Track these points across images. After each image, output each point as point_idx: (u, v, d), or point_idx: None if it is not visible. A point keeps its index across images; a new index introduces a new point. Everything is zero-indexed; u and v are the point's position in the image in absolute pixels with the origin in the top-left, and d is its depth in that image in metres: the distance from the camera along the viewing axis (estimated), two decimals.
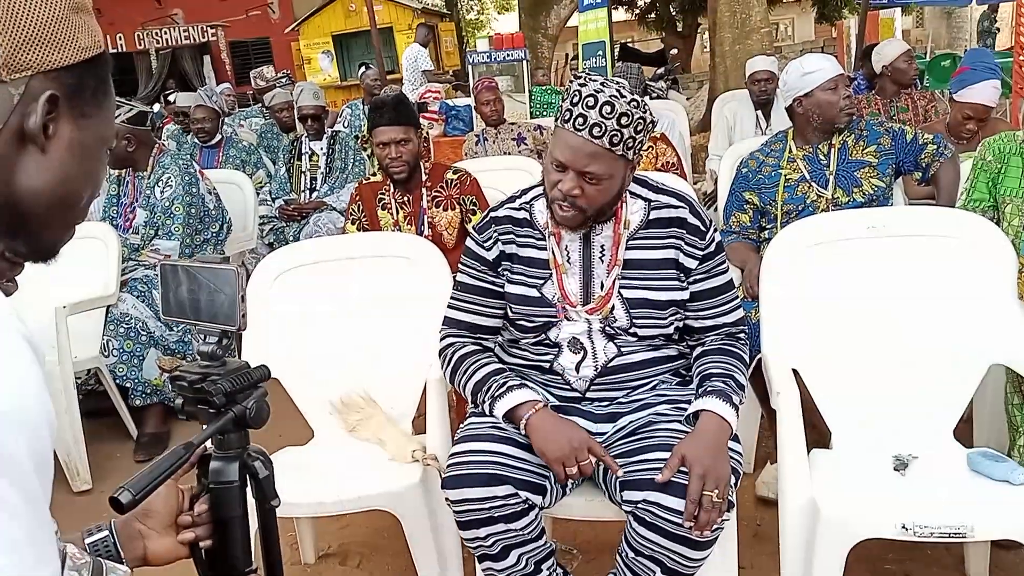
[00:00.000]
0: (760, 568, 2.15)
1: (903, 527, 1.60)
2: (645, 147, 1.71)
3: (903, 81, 4.40)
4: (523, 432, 1.68)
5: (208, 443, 1.10)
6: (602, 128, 1.61)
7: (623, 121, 1.61)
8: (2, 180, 0.79)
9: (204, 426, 1.08)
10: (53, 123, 0.80)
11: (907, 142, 2.68)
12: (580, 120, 1.62)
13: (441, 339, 1.92)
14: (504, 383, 1.74)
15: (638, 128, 1.64)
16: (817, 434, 2.01)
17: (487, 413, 1.75)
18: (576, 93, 1.64)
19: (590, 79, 1.66)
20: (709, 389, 1.68)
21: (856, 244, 2.10)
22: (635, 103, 1.63)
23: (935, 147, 2.68)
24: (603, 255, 1.78)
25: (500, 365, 1.82)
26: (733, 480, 1.60)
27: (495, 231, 1.85)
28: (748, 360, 1.83)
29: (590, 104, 1.62)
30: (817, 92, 2.64)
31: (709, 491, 1.53)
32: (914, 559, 2.16)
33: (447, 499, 1.67)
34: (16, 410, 0.67)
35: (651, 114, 1.68)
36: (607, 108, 1.61)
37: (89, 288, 3.20)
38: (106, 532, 1.08)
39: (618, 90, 1.63)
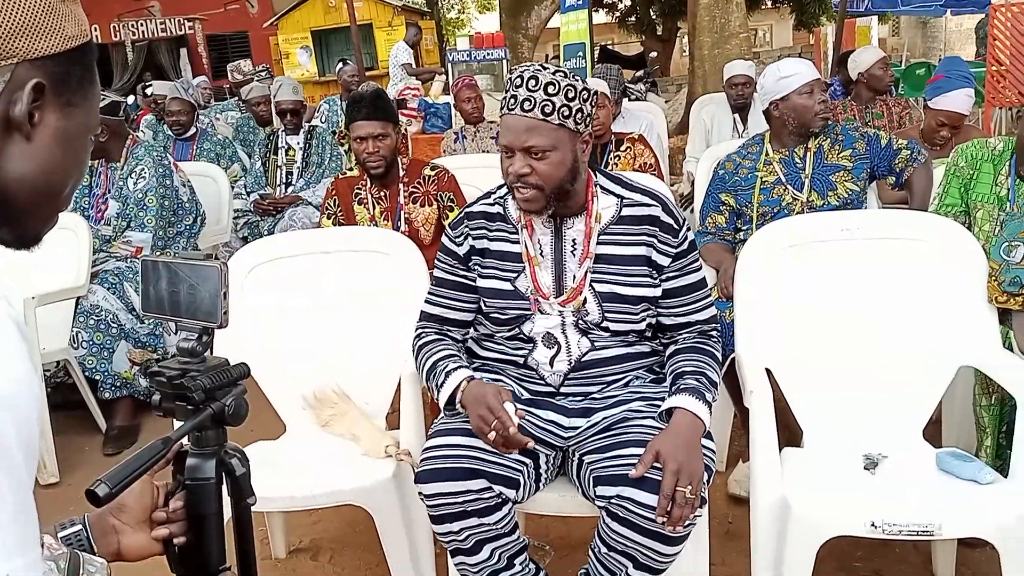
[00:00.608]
0: (731, 564, 2.16)
1: (872, 525, 1.61)
2: (590, 117, 1.72)
3: (878, 88, 4.46)
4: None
5: (184, 440, 1.09)
6: (531, 101, 1.65)
7: (550, 90, 1.65)
8: None
9: (179, 422, 1.07)
10: (39, 111, 0.80)
11: (882, 147, 2.72)
12: (512, 100, 1.68)
13: (414, 333, 1.92)
14: (444, 369, 1.77)
15: (569, 95, 1.66)
16: (789, 433, 2.02)
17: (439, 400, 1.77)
18: (509, 81, 1.71)
19: (526, 67, 1.71)
20: (682, 387, 1.69)
21: (830, 246, 2.12)
22: (561, 73, 1.67)
23: (909, 152, 2.72)
24: (575, 249, 1.79)
25: (448, 351, 1.83)
26: (706, 477, 1.60)
27: (467, 227, 1.86)
28: (721, 358, 1.84)
29: (518, 84, 1.68)
30: (793, 96, 2.67)
31: (682, 487, 1.53)
32: (883, 557, 2.18)
33: (420, 493, 1.66)
34: (7, 396, 0.68)
35: (583, 83, 1.70)
36: (532, 82, 1.66)
37: (59, 279, 3.15)
38: (79, 526, 1.07)
39: (542, 66, 1.69)
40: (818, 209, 2.64)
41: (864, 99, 4.47)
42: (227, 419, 1.08)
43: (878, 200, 3.12)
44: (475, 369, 1.86)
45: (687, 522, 1.55)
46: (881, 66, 4.45)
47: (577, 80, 1.68)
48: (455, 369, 1.76)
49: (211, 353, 1.11)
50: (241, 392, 1.10)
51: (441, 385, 1.76)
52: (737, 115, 4.94)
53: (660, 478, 1.55)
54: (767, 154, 2.77)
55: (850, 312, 2.07)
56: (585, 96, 1.69)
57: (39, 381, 0.71)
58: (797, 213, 2.64)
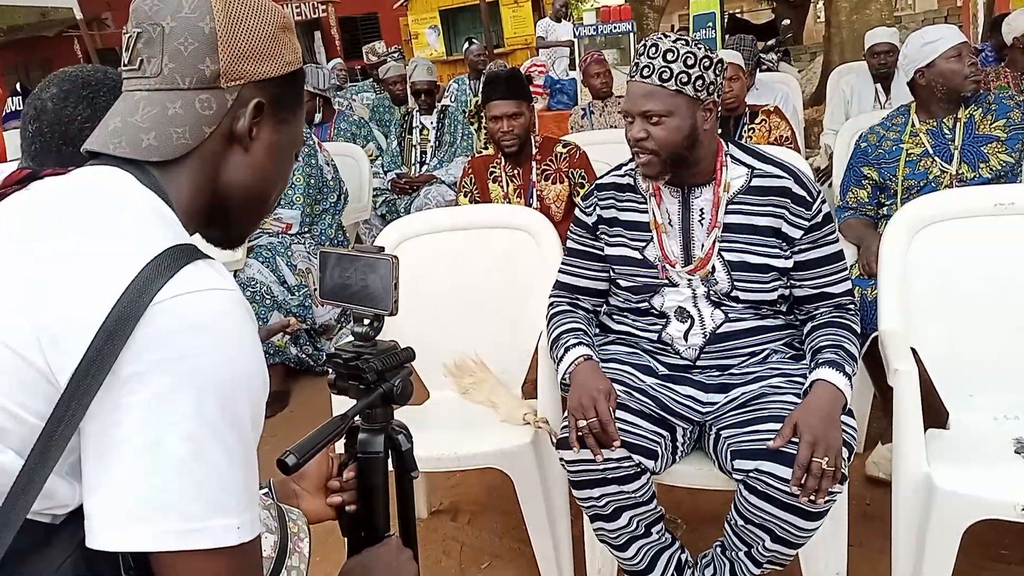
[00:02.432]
0: (869, 547, 2.13)
1: (1023, 509, 1.57)
2: (713, 85, 1.71)
3: None
4: None
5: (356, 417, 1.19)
6: (651, 68, 1.70)
7: (668, 57, 1.68)
8: (210, 174, 0.90)
9: (352, 400, 1.16)
10: (257, 127, 0.91)
11: None
12: (634, 67, 1.74)
13: (548, 302, 2.00)
14: (564, 343, 1.84)
15: (688, 62, 1.68)
16: (932, 416, 1.97)
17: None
18: (635, 51, 1.72)
19: (652, 36, 1.74)
20: (821, 361, 1.69)
21: (982, 222, 2.04)
22: (682, 41, 1.70)
23: None
24: (703, 218, 1.81)
25: (572, 325, 1.89)
26: (846, 453, 1.60)
27: (596, 197, 1.93)
28: (858, 331, 1.81)
29: (640, 52, 1.74)
30: (939, 61, 2.56)
31: (819, 459, 1.54)
32: None
33: (562, 460, 1.73)
34: (246, 375, 0.78)
35: (706, 50, 1.71)
36: (652, 49, 1.70)
37: (219, 253, 3.39)
38: (267, 488, 1.20)
39: (664, 34, 1.73)
40: (968, 182, 2.52)
41: (1020, 66, 4.18)
42: (395, 398, 1.15)
43: None
44: (609, 343, 1.92)
45: (826, 498, 1.56)
46: None
47: (699, 48, 1.70)
48: (574, 345, 1.82)
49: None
50: (408, 374, 1.17)
51: (560, 359, 1.83)
52: (879, 85, 4.72)
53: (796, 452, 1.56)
54: (913, 125, 2.66)
55: (1002, 291, 1.99)
56: (707, 64, 1.71)
57: (263, 361, 0.82)
58: (946, 187, 2.54)
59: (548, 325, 1.95)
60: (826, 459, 1.54)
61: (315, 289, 3.52)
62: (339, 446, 1.23)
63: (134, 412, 0.73)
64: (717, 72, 1.73)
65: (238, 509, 0.78)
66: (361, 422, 1.19)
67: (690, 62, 1.69)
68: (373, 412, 1.18)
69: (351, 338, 1.18)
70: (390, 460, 1.20)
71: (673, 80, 1.69)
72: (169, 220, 0.84)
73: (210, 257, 0.82)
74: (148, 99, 0.88)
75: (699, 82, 1.70)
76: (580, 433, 1.68)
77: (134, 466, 0.73)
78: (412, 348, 1.19)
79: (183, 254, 0.78)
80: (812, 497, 1.54)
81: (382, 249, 1.19)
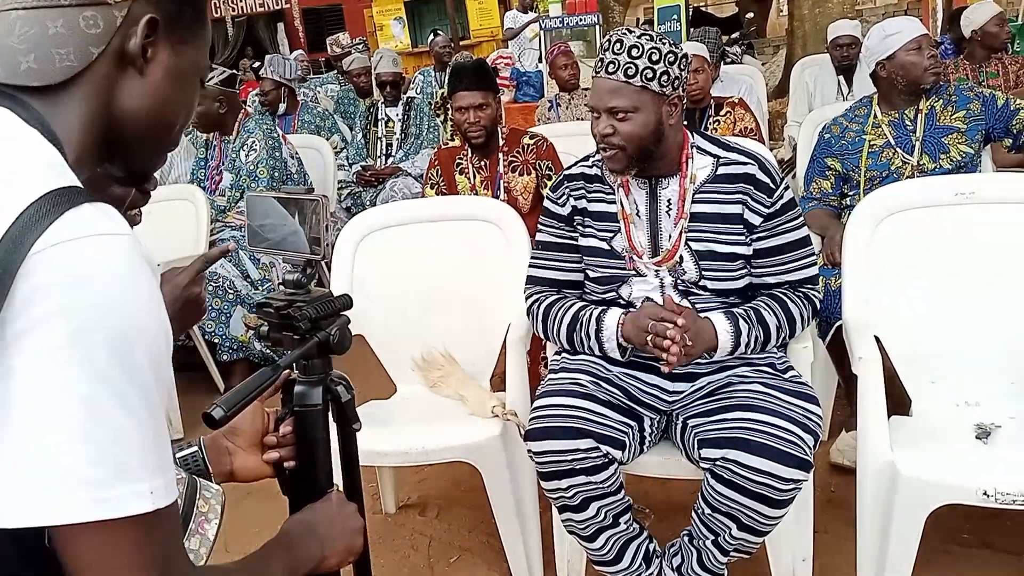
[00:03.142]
0: (835, 533, 2.16)
1: (985, 494, 1.59)
2: (678, 80, 1.72)
3: (994, 45, 4.24)
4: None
5: (293, 370, 1.14)
6: (616, 64, 1.70)
7: (633, 53, 1.69)
8: (103, 100, 0.82)
9: (287, 351, 1.12)
10: (152, 47, 0.83)
11: (998, 108, 2.61)
12: (599, 63, 1.74)
13: (526, 298, 1.98)
14: (590, 315, 1.82)
15: (653, 58, 1.69)
16: (895, 403, 1.99)
17: (596, 351, 1.82)
18: (600, 46, 1.77)
19: (616, 31, 1.75)
20: (727, 310, 1.76)
21: (943, 211, 2.06)
22: (647, 36, 1.70)
23: None
24: (670, 209, 1.82)
25: (582, 302, 1.88)
26: (811, 441, 1.61)
27: (567, 188, 1.92)
28: (797, 313, 1.81)
29: (605, 47, 1.74)
30: (900, 54, 2.60)
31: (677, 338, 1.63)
32: (993, 530, 2.14)
33: (530, 451, 1.73)
34: (142, 327, 0.71)
35: (671, 46, 1.71)
36: (617, 45, 1.71)
37: (180, 247, 3.35)
38: (196, 448, 1.14)
39: (629, 30, 1.73)
40: (929, 173, 2.56)
41: (978, 58, 4.25)
42: (332, 348, 1.11)
43: (992, 164, 3.00)
44: None
45: (791, 487, 1.57)
46: (997, 22, 4.22)
47: (664, 43, 1.71)
48: (605, 310, 1.81)
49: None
50: (345, 322, 1.13)
51: (598, 331, 1.80)
52: (842, 77, 4.78)
53: (766, 441, 1.57)
54: (875, 116, 2.70)
55: (963, 279, 2.02)
56: (671, 59, 1.71)
57: (166, 319, 0.75)
58: (907, 177, 2.57)
59: (546, 317, 1.90)
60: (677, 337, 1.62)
61: (280, 283, 3.48)
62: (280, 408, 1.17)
63: (21, 376, 0.67)
64: (682, 67, 1.73)
65: (148, 472, 0.71)
66: (298, 374, 1.15)
67: (655, 58, 1.69)
68: (310, 364, 1.14)
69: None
70: (331, 414, 1.17)
71: (638, 76, 1.69)
72: (52, 160, 0.76)
73: (101, 201, 0.74)
74: (25, 18, 0.79)
75: (664, 77, 1.70)
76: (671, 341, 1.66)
77: (26, 435, 0.67)
78: (349, 296, 1.16)
79: (65, 198, 0.70)
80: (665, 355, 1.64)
81: (311, 190, 1.16)
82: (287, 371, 1.15)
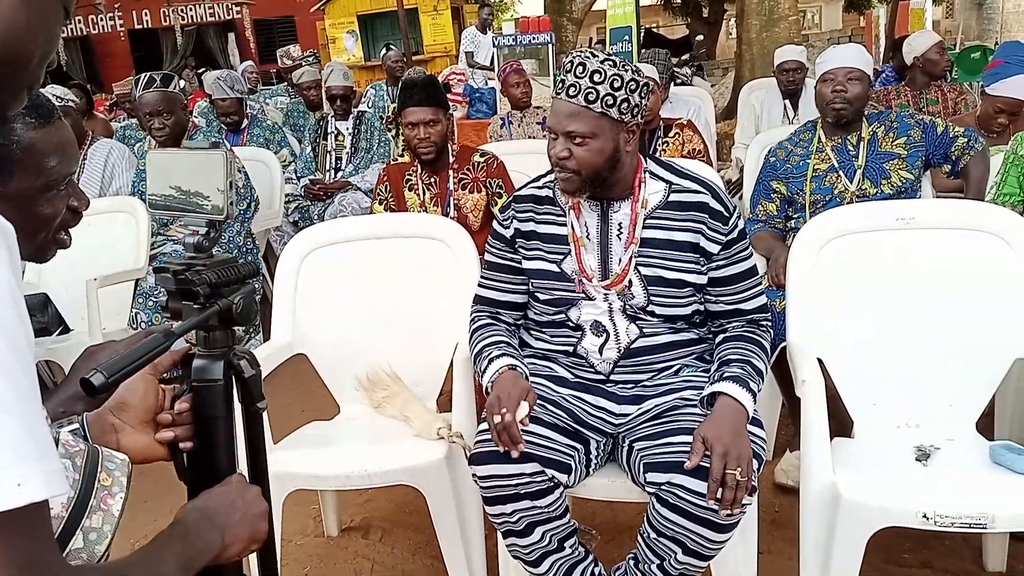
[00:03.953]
0: (778, 553, 2.17)
1: (924, 516, 1.61)
2: (638, 108, 1.71)
3: (935, 72, 4.37)
4: None
5: (194, 344, 1.06)
6: (576, 87, 1.68)
7: (595, 78, 1.67)
8: None
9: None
10: None
11: (938, 135, 2.67)
12: (560, 85, 1.72)
13: (470, 317, 1.96)
14: (488, 356, 1.81)
15: (614, 85, 1.67)
16: (838, 424, 2.01)
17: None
18: (562, 66, 1.75)
19: (579, 52, 1.73)
20: (727, 374, 1.70)
21: (884, 236, 2.10)
22: (610, 62, 1.68)
23: (966, 140, 2.67)
24: (620, 232, 1.81)
25: (497, 338, 1.86)
26: (756, 464, 1.62)
27: (513, 210, 1.90)
28: (769, 347, 1.84)
29: (567, 69, 1.71)
30: (818, 82, 2.67)
31: (731, 470, 1.55)
32: (932, 549, 2.17)
33: (474, 475, 1.70)
34: None
35: (633, 73, 1.70)
36: (580, 68, 1.68)
37: (119, 262, 3.25)
38: (77, 424, 1.04)
39: (592, 53, 1.71)
40: (871, 198, 2.61)
41: (919, 84, 4.38)
42: (235, 318, 1.03)
43: (932, 189, 3.07)
44: (527, 358, 1.89)
45: (739, 508, 1.57)
46: (937, 50, 4.36)
47: (626, 70, 1.69)
48: (498, 356, 1.79)
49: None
50: (250, 291, 1.06)
51: (484, 371, 1.80)
52: (788, 101, 4.88)
53: (709, 465, 1.56)
54: (819, 141, 2.74)
55: (904, 303, 2.05)
56: (633, 87, 1.70)
57: (23, 307, 0.68)
58: (849, 202, 2.62)
59: (471, 339, 1.91)
60: (739, 469, 1.55)
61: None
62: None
63: None
64: (643, 95, 1.72)
65: (15, 462, 0.64)
66: (198, 348, 1.06)
67: (616, 84, 1.68)
68: (211, 336, 1.05)
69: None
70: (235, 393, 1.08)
71: (599, 102, 1.67)
72: None
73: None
74: None
75: (624, 105, 1.69)
76: (497, 430, 1.64)
77: None
78: (255, 263, 1.10)
79: None
80: (729, 509, 1.55)
81: (216, 145, 1.10)
82: (187, 346, 1.06)
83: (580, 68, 1.68)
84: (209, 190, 1.03)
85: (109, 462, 0.95)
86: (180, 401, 1.07)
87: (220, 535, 0.97)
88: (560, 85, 1.72)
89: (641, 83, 1.72)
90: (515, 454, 1.64)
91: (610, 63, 1.68)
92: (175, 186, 1.07)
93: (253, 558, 1.16)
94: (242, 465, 1.13)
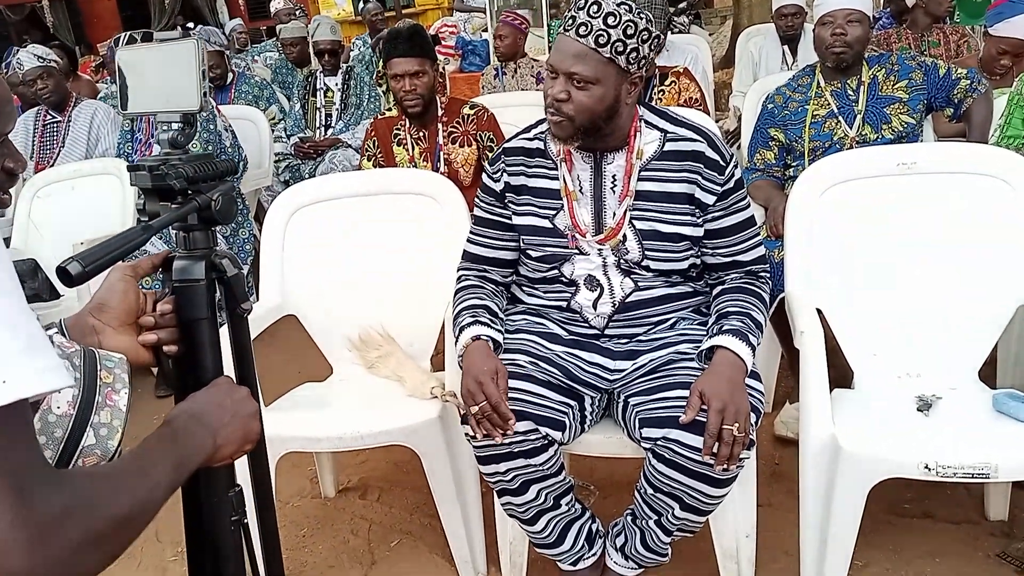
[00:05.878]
0: (778, 506, 2.15)
1: (926, 467, 1.58)
2: (645, 60, 1.63)
3: (937, 13, 4.25)
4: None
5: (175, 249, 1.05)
6: (588, 27, 1.59)
7: (609, 21, 1.58)
8: None
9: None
10: None
11: (940, 77, 2.60)
12: (571, 21, 1.62)
13: (456, 275, 1.91)
14: (460, 323, 1.76)
15: (627, 31, 1.59)
16: (838, 375, 1.98)
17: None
18: (574, 1, 1.64)
19: None
20: (725, 327, 1.66)
21: (885, 181, 2.04)
22: (626, 7, 1.59)
23: (968, 82, 2.59)
24: (615, 185, 1.75)
25: (473, 301, 1.81)
26: (754, 418, 1.58)
27: (504, 163, 1.83)
28: (769, 299, 1.79)
29: (581, 5, 1.61)
30: (816, 25, 2.59)
31: (728, 426, 1.52)
32: (933, 499, 2.15)
33: (467, 434, 1.67)
34: None
35: (649, 23, 1.62)
36: (594, 8, 1.59)
37: (106, 225, 3.20)
38: (55, 330, 1.00)
39: None
40: (872, 143, 2.54)
41: (921, 26, 4.26)
42: (215, 216, 1.01)
43: (934, 133, 3.00)
44: (519, 314, 1.85)
45: (736, 463, 1.54)
46: None
47: (640, 17, 1.60)
48: (469, 325, 1.74)
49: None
50: (229, 189, 1.03)
51: (456, 339, 1.75)
52: (786, 47, 4.76)
53: (705, 419, 1.53)
54: (818, 86, 2.67)
55: (905, 250, 2.00)
56: (645, 36, 1.61)
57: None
58: (849, 148, 2.55)
59: (453, 301, 1.86)
60: (736, 425, 1.52)
61: None
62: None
63: None
64: (652, 47, 1.64)
65: (10, 359, 0.62)
66: (178, 250, 1.04)
67: (629, 31, 1.59)
68: (191, 236, 1.03)
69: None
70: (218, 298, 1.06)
71: (609, 47, 1.59)
72: None
73: None
74: None
75: (633, 54, 1.61)
76: (476, 419, 1.62)
77: None
78: (234, 160, 1.07)
79: None
80: (725, 465, 1.52)
81: (187, 34, 1.06)
82: (167, 249, 1.05)
83: (595, 7, 1.58)
84: (180, 82, 0.99)
85: (107, 360, 0.93)
86: (162, 303, 1.05)
87: (211, 436, 0.95)
88: (570, 22, 1.61)
89: (653, 35, 1.63)
90: (510, 433, 1.61)
91: (626, 7, 1.59)
92: (148, 84, 1.03)
93: (252, 526, 1.15)
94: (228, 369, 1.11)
